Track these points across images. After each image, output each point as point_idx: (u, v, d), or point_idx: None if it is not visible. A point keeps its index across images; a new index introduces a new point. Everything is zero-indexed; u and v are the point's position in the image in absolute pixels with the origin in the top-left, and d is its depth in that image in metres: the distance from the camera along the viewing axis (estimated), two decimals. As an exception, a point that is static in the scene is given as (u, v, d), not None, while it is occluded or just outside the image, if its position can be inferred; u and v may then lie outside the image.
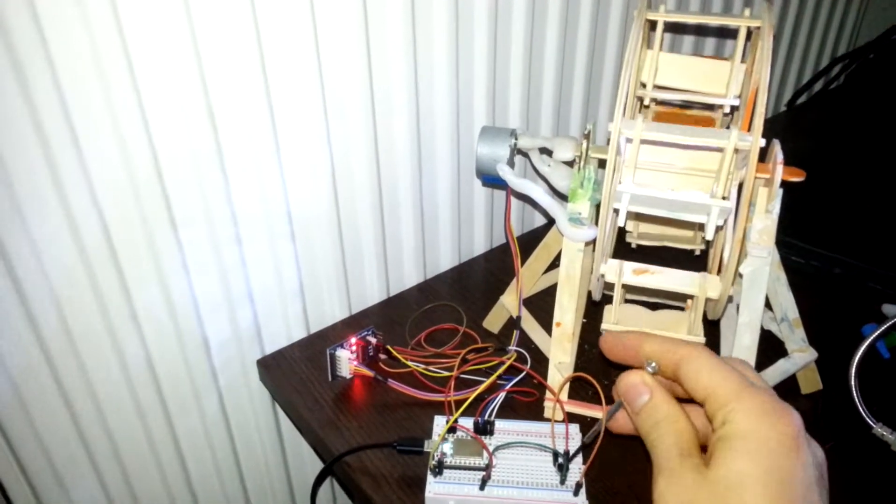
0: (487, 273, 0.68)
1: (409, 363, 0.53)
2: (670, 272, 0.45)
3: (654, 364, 0.33)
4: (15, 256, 0.43)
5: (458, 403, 0.47)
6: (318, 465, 0.68)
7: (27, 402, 0.47)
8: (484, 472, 0.43)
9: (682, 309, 0.48)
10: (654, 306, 0.48)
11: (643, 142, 0.42)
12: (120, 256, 0.47)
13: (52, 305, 0.46)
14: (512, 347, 0.52)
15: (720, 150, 0.42)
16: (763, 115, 0.40)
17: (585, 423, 0.47)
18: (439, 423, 0.48)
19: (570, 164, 0.50)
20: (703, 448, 0.31)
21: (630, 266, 0.45)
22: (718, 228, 0.43)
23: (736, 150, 0.41)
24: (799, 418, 0.29)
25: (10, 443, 0.48)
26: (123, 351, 0.50)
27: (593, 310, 0.54)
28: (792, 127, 0.95)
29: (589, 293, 0.51)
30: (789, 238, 0.63)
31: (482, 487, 0.43)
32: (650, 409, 0.32)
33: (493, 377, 0.50)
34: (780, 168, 0.43)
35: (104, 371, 0.50)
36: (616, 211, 0.44)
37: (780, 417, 0.29)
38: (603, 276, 0.46)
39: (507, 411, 0.50)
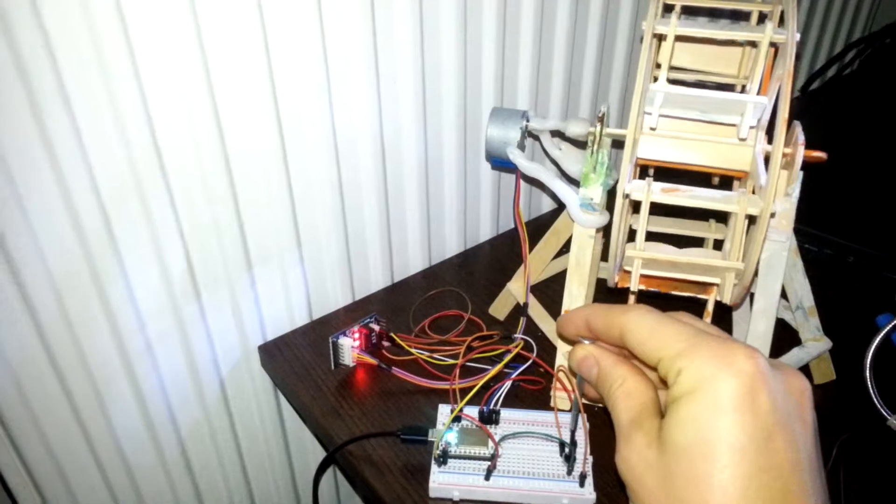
0: (493, 259, 0.67)
1: (413, 351, 0.52)
2: (704, 190, 0.42)
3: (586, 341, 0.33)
4: (13, 244, 0.42)
5: (464, 392, 0.46)
6: (320, 454, 0.68)
7: (26, 392, 0.47)
8: (489, 462, 0.43)
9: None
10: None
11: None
12: (119, 242, 0.46)
13: (51, 293, 0.45)
14: (518, 335, 0.51)
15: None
16: (796, 8, 0.40)
17: (593, 412, 0.46)
18: (444, 412, 0.47)
19: (581, 147, 0.49)
20: None
21: (658, 185, 0.42)
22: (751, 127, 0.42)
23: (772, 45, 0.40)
24: (758, 356, 0.26)
25: (9, 434, 0.47)
26: (123, 339, 0.49)
27: (603, 298, 0.53)
28: (805, 113, 0.93)
29: (599, 280, 0.50)
30: (802, 225, 0.62)
31: (487, 478, 0.42)
32: (602, 378, 0.31)
33: (500, 365, 0.49)
34: (801, 150, 0.41)
35: (103, 359, 0.49)
36: (647, 113, 0.42)
37: (734, 361, 0.26)
38: (628, 195, 0.42)
39: (513, 400, 0.49)
